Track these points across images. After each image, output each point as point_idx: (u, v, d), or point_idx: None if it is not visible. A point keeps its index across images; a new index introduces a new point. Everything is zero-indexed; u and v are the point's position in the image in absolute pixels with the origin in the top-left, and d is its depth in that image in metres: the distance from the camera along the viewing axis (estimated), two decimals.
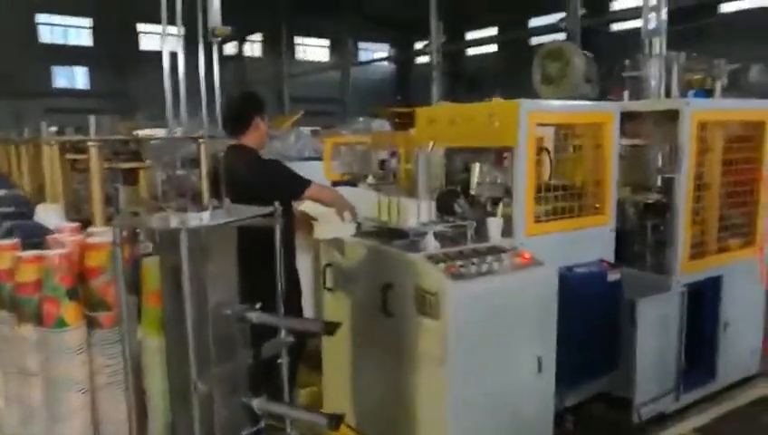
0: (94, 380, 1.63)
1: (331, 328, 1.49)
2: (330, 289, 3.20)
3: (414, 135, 3.49)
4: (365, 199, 3.32)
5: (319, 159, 7.93)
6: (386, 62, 30.41)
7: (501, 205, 3.06)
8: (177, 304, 1.43)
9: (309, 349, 3.39)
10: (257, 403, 1.48)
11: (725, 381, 3.57)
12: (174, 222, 1.49)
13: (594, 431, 3.07)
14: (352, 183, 5.86)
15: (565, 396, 3.18)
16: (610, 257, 3.37)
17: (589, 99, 3.61)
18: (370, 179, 5.92)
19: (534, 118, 2.95)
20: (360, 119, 10.97)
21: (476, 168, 3.35)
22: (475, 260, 2.67)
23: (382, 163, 6.76)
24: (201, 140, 4.04)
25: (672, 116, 3.36)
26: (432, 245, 2.75)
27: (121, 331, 1.52)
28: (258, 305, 1.54)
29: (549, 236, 3.10)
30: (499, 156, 3.36)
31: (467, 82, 23.49)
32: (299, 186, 3.14)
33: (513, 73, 11.48)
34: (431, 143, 3.05)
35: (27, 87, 21.58)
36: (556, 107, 3.06)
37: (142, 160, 4.17)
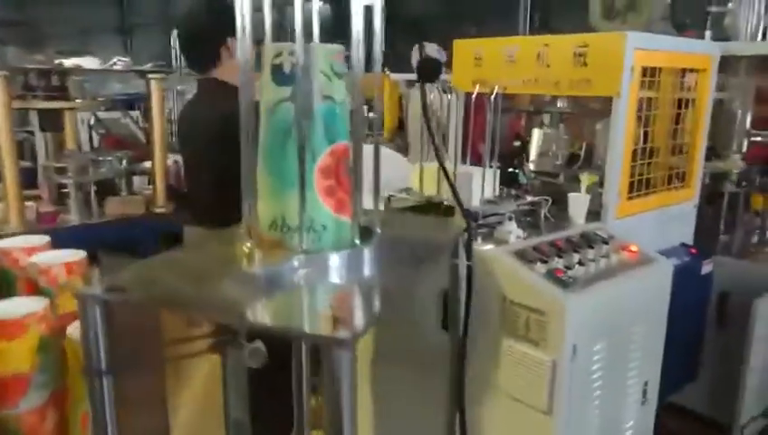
0: None
1: None
2: None
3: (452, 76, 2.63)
4: (389, 163, 2.46)
5: None
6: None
7: (586, 176, 2.28)
8: None
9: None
10: None
11: None
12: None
13: None
14: None
15: None
16: (690, 240, 2.71)
17: None
18: None
19: (641, 58, 2.16)
20: None
21: (538, 134, 2.56)
22: (579, 258, 1.90)
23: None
24: (153, 75, 3.03)
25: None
26: (515, 233, 1.95)
27: None
28: None
29: (636, 217, 2.38)
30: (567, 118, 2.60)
31: (409, 24, 22.12)
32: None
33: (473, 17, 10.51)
34: (495, 87, 2.21)
35: None
36: (666, 44, 2.29)
37: (68, 99, 3.09)
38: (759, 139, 2.82)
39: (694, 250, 2.58)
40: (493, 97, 2.18)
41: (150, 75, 2.98)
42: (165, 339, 0.75)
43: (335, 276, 0.75)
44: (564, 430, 1.76)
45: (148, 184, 3.34)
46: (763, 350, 2.50)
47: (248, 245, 0.72)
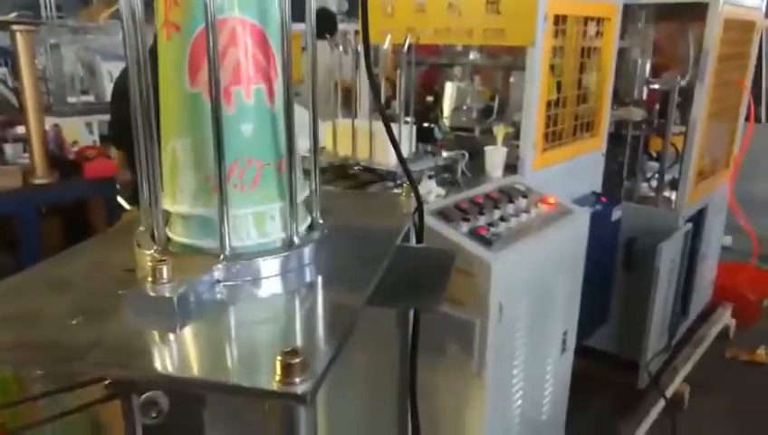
0: None
1: None
2: None
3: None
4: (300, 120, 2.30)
5: None
6: None
7: (501, 128, 2.23)
8: None
9: None
10: None
11: (693, 317, 3.27)
12: None
13: (595, 395, 2.60)
14: None
15: None
16: (599, 187, 2.77)
17: None
18: None
19: (553, 6, 2.11)
20: None
21: (451, 88, 2.47)
22: (500, 214, 1.86)
23: None
24: (19, 27, 2.64)
25: (673, 13, 2.76)
26: (434, 192, 1.88)
27: None
28: None
29: (550, 167, 2.38)
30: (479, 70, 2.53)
31: None
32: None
33: None
34: (407, 38, 2.09)
35: None
36: None
37: None
38: (657, 86, 2.89)
39: (604, 198, 2.63)
40: (405, 48, 2.06)
41: (16, 27, 2.59)
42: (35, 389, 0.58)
43: (270, 290, 0.60)
44: (494, 389, 1.75)
45: (24, 152, 2.97)
46: (665, 290, 2.63)
47: (154, 255, 0.56)
